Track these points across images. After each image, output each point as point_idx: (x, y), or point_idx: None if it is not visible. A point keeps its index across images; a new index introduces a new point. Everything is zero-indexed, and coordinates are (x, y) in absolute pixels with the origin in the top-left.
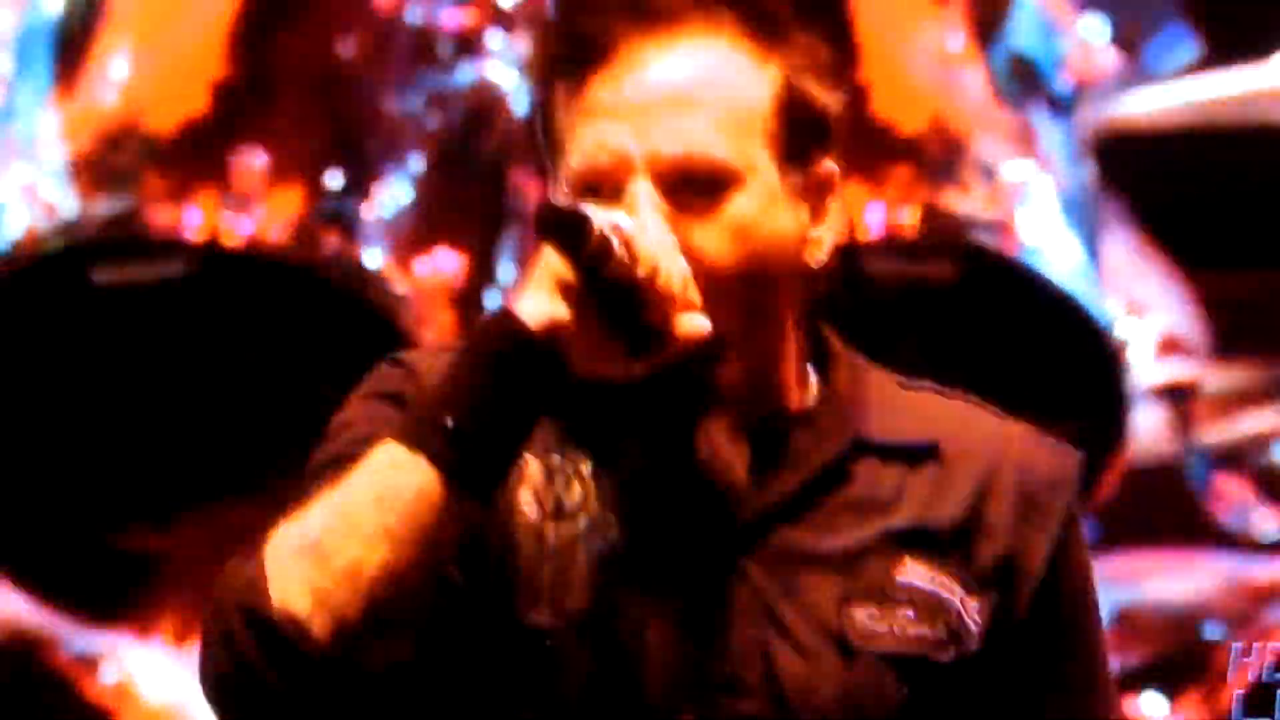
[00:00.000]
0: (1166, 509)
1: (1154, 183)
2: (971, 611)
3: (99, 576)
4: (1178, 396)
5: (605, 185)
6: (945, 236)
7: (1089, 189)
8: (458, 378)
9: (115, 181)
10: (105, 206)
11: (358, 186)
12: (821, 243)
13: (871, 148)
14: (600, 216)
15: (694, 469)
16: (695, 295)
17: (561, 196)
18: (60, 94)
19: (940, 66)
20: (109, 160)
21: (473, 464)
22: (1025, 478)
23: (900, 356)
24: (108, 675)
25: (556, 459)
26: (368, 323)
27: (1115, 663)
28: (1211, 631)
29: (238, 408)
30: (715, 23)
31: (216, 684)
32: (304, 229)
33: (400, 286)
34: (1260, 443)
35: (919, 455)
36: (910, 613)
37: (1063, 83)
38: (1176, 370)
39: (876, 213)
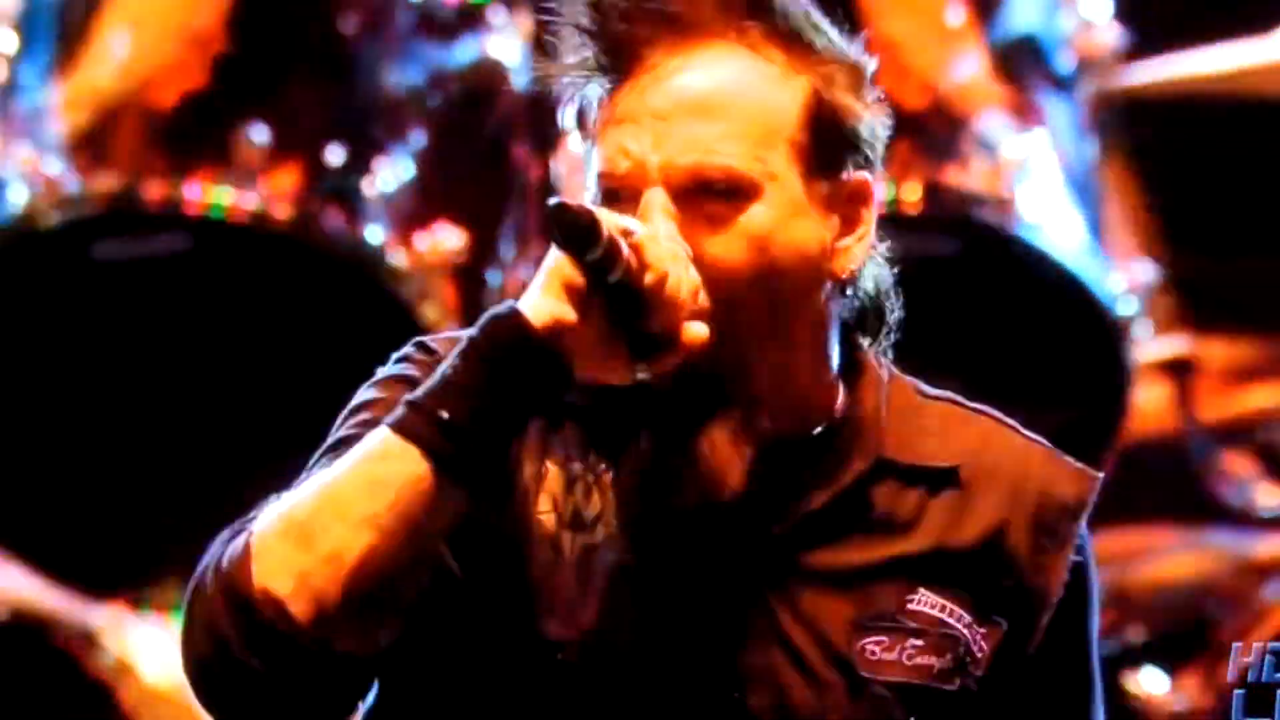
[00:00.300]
0: (1167, 485)
1: (1157, 160)
2: (979, 639)
3: (100, 552)
4: (1178, 372)
5: (624, 191)
6: (947, 212)
7: (1093, 166)
8: (457, 371)
9: (117, 157)
10: (107, 182)
11: (359, 162)
12: (851, 252)
13: None
14: (610, 220)
15: (694, 480)
16: (703, 305)
17: (575, 198)
18: (62, 70)
19: (941, 43)
20: (111, 136)
21: (465, 458)
22: (1044, 503)
23: (902, 334)
24: (109, 652)
25: (578, 467)
26: (369, 298)
27: (1116, 639)
28: (1212, 607)
29: (239, 382)
30: (743, 34)
31: (196, 664)
32: (305, 204)
33: (401, 261)
34: (1261, 419)
35: (940, 479)
36: (919, 641)
37: (1065, 60)
38: (1177, 346)
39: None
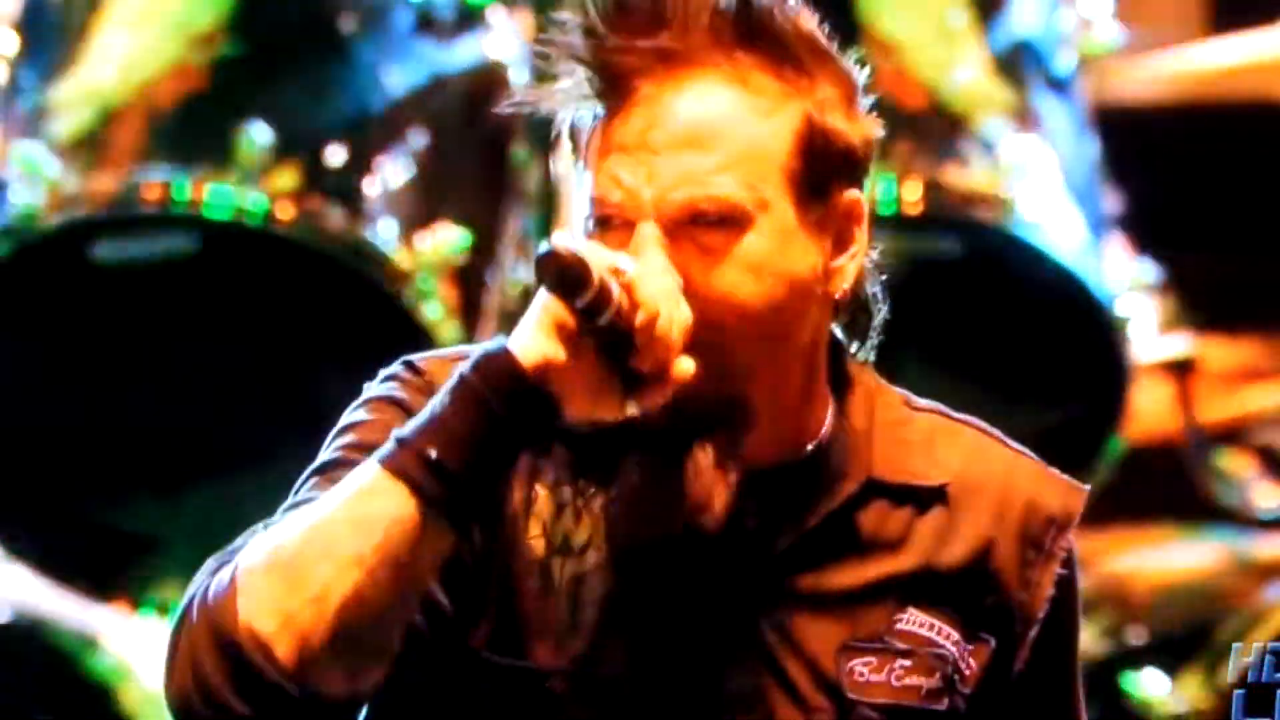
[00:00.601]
0: (1167, 485)
1: (1151, 162)
2: (967, 657)
3: (99, 553)
4: (1178, 372)
5: (617, 219)
6: (947, 212)
7: (1092, 165)
8: (445, 408)
9: (117, 157)
10: (106, 183)
11: (360, 162)
12: (845, 272)
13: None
14: (601, 261)
15: (685, 507)
16: (694, 339)
17: (568, 234)
18: (62, 71)
19: (942, 43)
20: (111, 136)
21: (453, 497)
22: (1030, 517)
23: (902, 334)
24: (108, 654)
25: (567, 492)
26: (370, 298)
27: (1116, 640)
28: (1213, 608)
29: (239, 383)
30: (736, 63)
31: (178, 699)
32: (306, 205)
33: (402, 261)
34: (1262, 420)
35: (928, 498)
36: (908, 661)
37: (1065, 61)
38: (1177, 346)
39: (880, 188)
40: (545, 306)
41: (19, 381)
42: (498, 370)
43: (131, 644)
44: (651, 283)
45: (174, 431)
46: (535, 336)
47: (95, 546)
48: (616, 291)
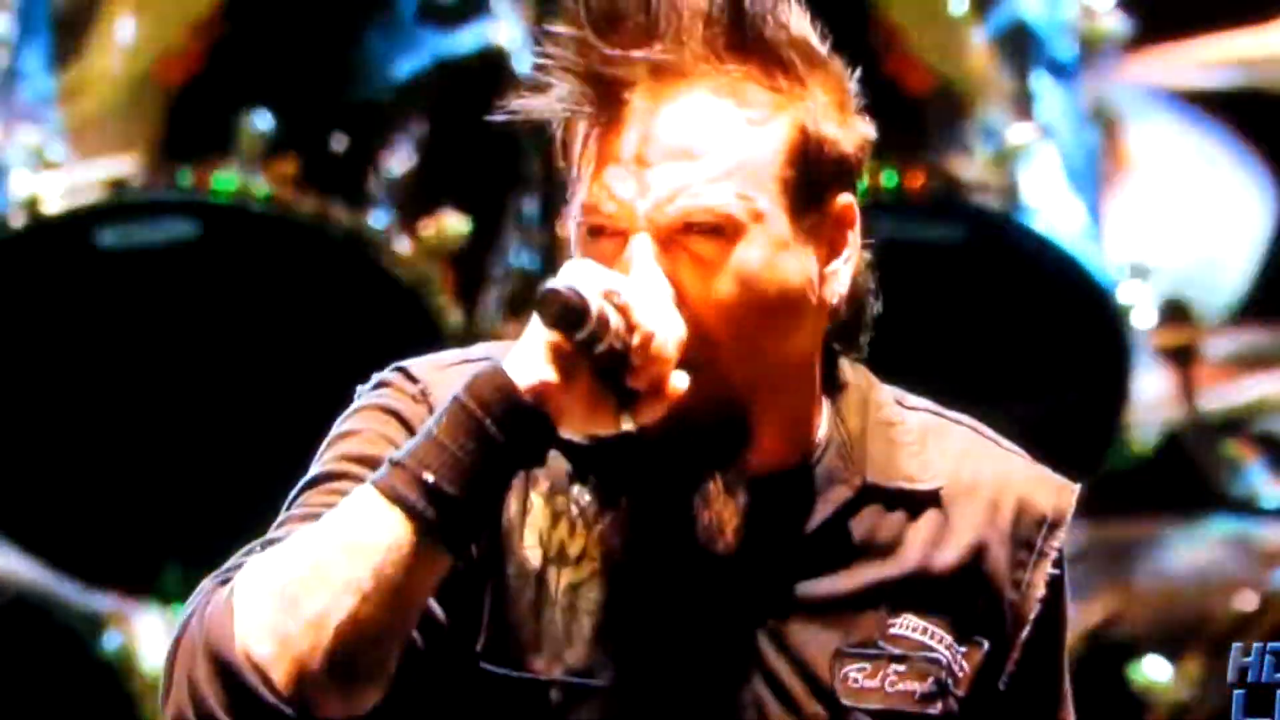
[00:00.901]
0: (1169, 473)
1: None
2: (960, 659)
3: (104, 540)
4: (1180, 359)
5: (609, 229)
6: (950, 199)
7: (1093, 153)
8: (442, 432)
9: (120, 143)
10: (110, 169)
11: (363, 149)
12: (838, 276)
13: (874, 111)
14: (597, 288)
15: (680, 516)
16: (689, 355)
17: (565, 269)
18: (65, 56)
19: (944, 29)
20: (113, 122)
21: (449, 522)
22: (1022, 519)
23: (904, 320)
24: (113, 639)
25: (562, 501)
26: (373, 284)
27: (1119, 628)
28: (1215, 595)
29: (242, 369)
30: (728, 74)
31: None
32: (309, 191)
33: (405, 248)
34: (1264, 407)
35: (921, 503)
36: (901, 666)
37: (1066, 48)
38: (1179, 333)
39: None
40: (540, 330)
41: (22, 368)
42: (494, 393)
43: (136, 630)
44: (647, 303)
45: (176, 418)
46: (531, 360)
47: (98, 534)
48: (614, 319)
